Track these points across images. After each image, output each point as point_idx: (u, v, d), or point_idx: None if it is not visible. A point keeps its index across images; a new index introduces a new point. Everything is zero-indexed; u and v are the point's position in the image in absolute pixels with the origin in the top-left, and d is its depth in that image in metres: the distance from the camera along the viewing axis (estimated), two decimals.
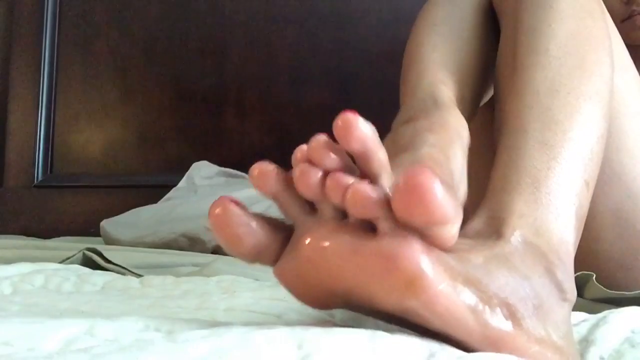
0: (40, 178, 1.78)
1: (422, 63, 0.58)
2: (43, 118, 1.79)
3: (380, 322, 0.49)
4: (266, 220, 0.35)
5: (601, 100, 0.50)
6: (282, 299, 0.52)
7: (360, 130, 0.31)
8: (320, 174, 0.32)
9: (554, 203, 0.43)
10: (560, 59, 0.51)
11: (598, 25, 0.55)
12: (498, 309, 0.34)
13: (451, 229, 0.32)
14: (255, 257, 0.35)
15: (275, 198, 0.35)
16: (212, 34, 1.73)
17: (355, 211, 0.31)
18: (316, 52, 1.67)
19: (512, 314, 0.35)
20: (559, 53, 0.52)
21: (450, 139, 0.47)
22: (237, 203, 0.34)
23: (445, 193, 0.30)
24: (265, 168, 0.34)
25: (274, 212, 1.26)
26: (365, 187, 0.31)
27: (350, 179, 0.32)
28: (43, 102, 1.79)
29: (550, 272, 0.40)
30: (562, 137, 0.46)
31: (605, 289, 0.60)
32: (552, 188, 0.44)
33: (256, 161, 0.34)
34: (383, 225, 0.32)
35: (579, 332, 0.44)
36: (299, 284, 0.35)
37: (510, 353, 0.34)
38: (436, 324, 0.33)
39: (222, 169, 1.50)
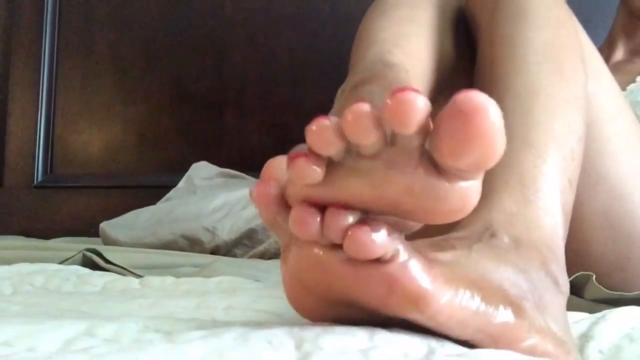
0: (40, 178, 1.78)
1: (369, 39, 0.59)
2: (43, 118, 1.79)
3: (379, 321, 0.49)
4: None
5: (579, 104, 0.52)
6: (282, 297, 0.52)
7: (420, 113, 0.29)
8: (317, 219, 0.31)
9: (542, 200, 0.45)
10: (538, 64, 0.53)
11: (571, 34, 0.57)
12: (500, 305, 0.35)
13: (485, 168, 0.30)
14: (270, 223, 0.35)
15: (270, 219, 0.34)
16: (212, 34, 1.73)
17: (357, 255, 0.31)
18: (316, 52, 1.67)
19: (513, 307, 0.36)
20: (537, 59, 0.54)
21: None
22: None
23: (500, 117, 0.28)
24: (266, 191, 0.33)
25: None
26: (365, 236, 0.30)
27: (349, 219, 0.31)
28: (43, 103, 1.79)
29: (545, 265, 0.40)
30: (545, 137, 0.48)
31: (605, 289, 0.60)
32: (539, 186, 0.45)
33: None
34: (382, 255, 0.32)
35: (579, 328, 0.45)
36: (297, 285, 0.35)
37: (511, 343, 0.35)
38: (441, 329, 0.34)
39: (222, 169, 1.50)
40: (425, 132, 0.29)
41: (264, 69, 1.69)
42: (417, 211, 0.31)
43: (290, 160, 0.31)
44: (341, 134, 0.30)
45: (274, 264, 0.96)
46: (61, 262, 0.82)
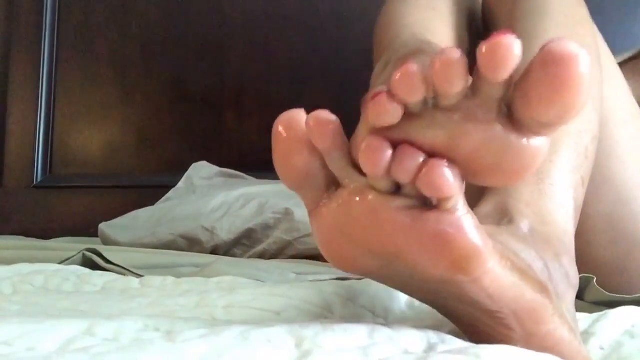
0: (39, 178, 1.78)
1: (398, 24, 0.60)
2: (42, 118, 1.79)
3: (379, 320, 0.49)
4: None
5: (595, 104, 0.53)
6: (282, 295, 0.52)
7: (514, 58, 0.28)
8: (389, 152, 0.30)
9: (557, 194, 0.45)
10: None
11: (589, 34, 0.58)
12: (531, 284, 0.36)
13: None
14: (301, 180, 0.33)
15: (324, 152, 0.32)
16: (212, 34, 1.73)
17: (431, 192, 0.30)
18: (316, 52, 1.67)
19: (542, 288, 0.36)
20: None
21: None
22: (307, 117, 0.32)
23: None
24: (324, 118, 0.32)
25: (270, 208, 1.25)
26: (441, 172, 0.30)
27: (420, 157, 0.30)
28: (42, 103, 1.79)
29: (557, 257, 0.41)
30: (562, 133, 0.49)
31: (605, 292, 0.60)
32: (554, 180, 0.46)
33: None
34: (445, 202, 0.31)
35: (580, 326, 0.45)
36: (338, 237, 0.34)
37: (537, 323, 0.35)
38: (476, 295, 0.34)
39: (221, 169, 1.50)
40: (509, 83, 0.29)
41: (264, 69, 1.69)
42: (488, 166, 0.31)
43: (371, 99, 0.30)
44: (427, 81, 0.29)
45: (275, 264, 0.95)
46: (61, 262, 0.82)
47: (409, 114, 0.30)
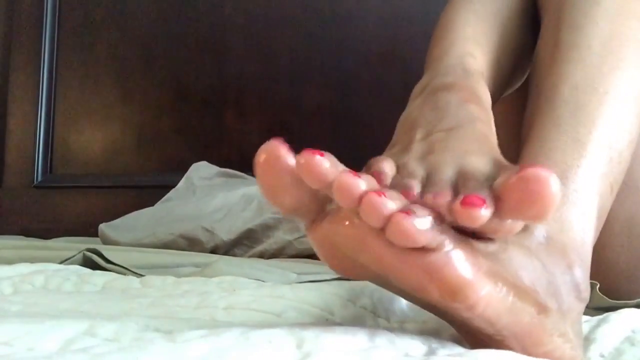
0: (40, 178, 1.78)
1: (454, 34, 0.57)
2: (43, 118, 1.79)
3: (381, 321, 0.49)
4: None
5: (638, 104, 0.50)
6: (282, 296, 0.52)
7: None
8: (360, 191, 0.31)
9: (580, 201, 0.43)
10: (602, 57, 0.50)
11: None
12: (531, 306, 0.35)
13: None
14: (292, 211, 0.34)
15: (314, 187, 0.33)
16: (212, 34, 1.73)
17: (400, 243, 0.31)
18: (316, 52, 1.67)
19: (541, 309, 0.36)
20: (602, 51, 0.51)
21: (488, 114, 0.46)
22: (288, 149, 0.33)
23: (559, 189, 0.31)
24: (319, 162, 0.32)
25: (271, 208, 1.25)
26: (409, 223, 0.30)
27: (390, 205, 0.31)
28: (43, 102, 1.79)
29: (570, 269, 0.40)
30: (595, 136, 0.46)
31: (608, 299, 0.59)
32: (579, 185, 0.44)
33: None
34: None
35: None
36: (334, 251, 0.34)
37: (534, 345, 0.35)
38: (472, 320, 0.34)
39: (221, 169, 1.50)
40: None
41: (264, 69, 1.69)
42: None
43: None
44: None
45: (276, 263, 0.96)
46: (61, 262, 0.82)
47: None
